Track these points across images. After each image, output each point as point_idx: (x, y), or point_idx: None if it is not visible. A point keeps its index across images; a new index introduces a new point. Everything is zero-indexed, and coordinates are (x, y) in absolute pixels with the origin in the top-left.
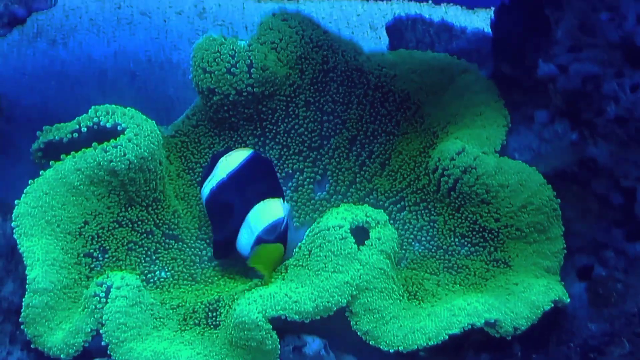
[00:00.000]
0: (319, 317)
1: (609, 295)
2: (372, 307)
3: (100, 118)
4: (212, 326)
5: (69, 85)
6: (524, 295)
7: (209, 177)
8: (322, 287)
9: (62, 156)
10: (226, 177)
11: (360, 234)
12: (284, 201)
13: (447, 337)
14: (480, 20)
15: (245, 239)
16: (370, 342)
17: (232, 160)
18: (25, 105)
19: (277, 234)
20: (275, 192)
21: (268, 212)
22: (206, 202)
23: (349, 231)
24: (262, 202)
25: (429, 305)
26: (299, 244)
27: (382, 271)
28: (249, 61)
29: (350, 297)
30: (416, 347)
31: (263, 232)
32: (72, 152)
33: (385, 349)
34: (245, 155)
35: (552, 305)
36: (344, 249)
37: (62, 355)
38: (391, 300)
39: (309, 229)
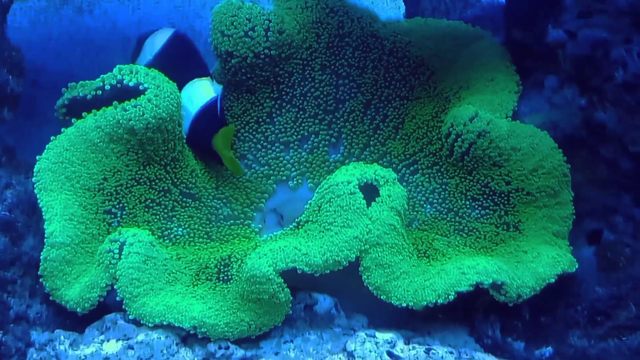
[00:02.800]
0: (328, 271)
1: (617, 259)
2: (382, 262)
3: (124, 77)
4: (223, 281)
5: (93, 52)
6: (532, 265)
7: (137, 60)
8: (331, 241)
9: (83, 114)
10: (152, 59)
11: (370, 193)
12: (212, 80)
13: (455, 295)
14: None
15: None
16: (382, 297)
17: (156, 42)
18: (51, 71)
19: (213, 116)
20: (202, 71)
21: (199, 92)
22: None
23: (357, 186)
24: (191, 82)
25: (438, 264)
26: (309, 201)
27: (393, 227)
28: (266, 25)
29: (358, 252)
30: (425, 303)
31: (199, 114)
32: (94, 110)
33: (396, 303)
34: (167, 35)
35: (557, 277)
36: (352, 204)
37: (78, 309)
38: (401, 256)
39: (319, 186)
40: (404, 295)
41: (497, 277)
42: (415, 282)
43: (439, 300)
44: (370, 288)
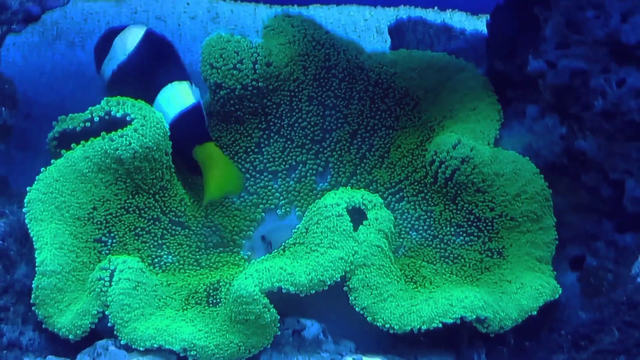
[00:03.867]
0: (313, 291)
1: (599, 284)
2: (370, 283)
3: (111, 108)
4: (212, 304)
5: (85, 85)
6: (516, 297)
7: (107, 58)
8: (317, 261)
9: (72, 145)
10: (126, 59)
11: (357, 217)
12: (191, 84)
13: (440, 324)
14: (483, 25)
15: None
16: (368, 318)
17: (129, 40)
18: (44, 103)
19: (193, 124)
20: (180, 72)
21: (179, 96)
22: (109, 84)
23: (345, 209)
24: (170, 85)
25: (426, 291)
26: (297, 225)
27: (380, 249)
28: (254, 57)
29: (343, 272)
30: (409, 328)
31: (178, 118)
32: (82, 141)
33: (381, 325)
34: (140, 33)
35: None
36: (339, 226)
37: (70, 336)
38: (389, 279)
39: (308, 209)
40: (390, 317)
41: (481, 312)
42: (402, 306)
43: (423, 327)
44: (357, 309)
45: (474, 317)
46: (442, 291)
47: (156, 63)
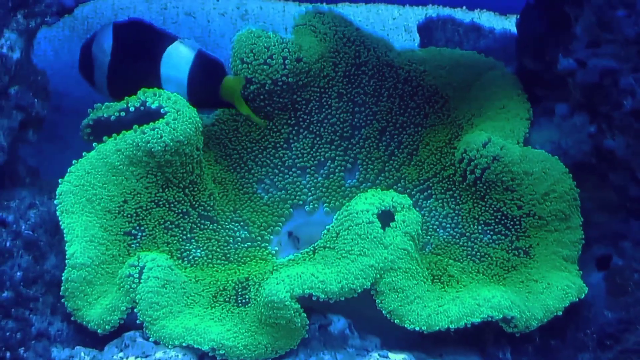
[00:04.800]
0: (343, 298)
1: (625, 284)
2: (396, 286)
3: (147, 99)
4: (241, 304)
5: None
6: (542, 297)
7: (95, 69)
8: (347, 269)
9: (104, 138)
10: (109, 56)
11: (386, 217)
12: (181, 40)
13: (469, 324)
14: (511, 24)
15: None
16: (395, 321)
17: (102, 41)
18: (73, 97)
19: (206, 70)
20: (166, 36)
21: (179, 57)
22: (110, 89)
23: (375, 215)
24: (166, 54)
25: (453, 291)
26: (327, 226)
27: (406, 252)
28: (285, 53)
29: (374, 280)
30: (438, 328)
31: (192, 75)
32: (114, 134)
33: (409, 327)
34: (108, 30)
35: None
36: (370, 233)
37: (99, 330)
38: (415, 281)
39: (338, 212)
40: (417, 319)
41: (508, 312)
42: (429, 307)
43: (451, 326)
44: (383, 312)
45: (501, 316)
46: (469, 291)
47: (138, 45)
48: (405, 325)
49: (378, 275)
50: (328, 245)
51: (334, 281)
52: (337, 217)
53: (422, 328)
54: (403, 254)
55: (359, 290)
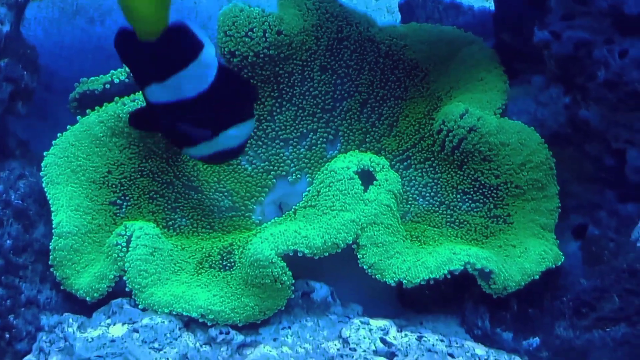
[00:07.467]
0: (327, 254)
1: (601, 253)
2: (377, 240)
3: None
4: (226, 268)
5: (104, 58)
6: (519, 260)
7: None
8: (330, 224)
9: (87, 111)
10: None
11: (366, 180)
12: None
13: (447, 272)
14: (490, 3)
15: None
16: (376, 276)
17: None
18: (63, 76)
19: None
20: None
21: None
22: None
23: (355, 173)
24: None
25: (430, 247)
26: (308, 187)
27: (389, 208)
28: (265, 26)
29: (355, 235)
30: (419, 280)
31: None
32: (96, 107)
33: (390, 281)
34: None
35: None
36: (351, 189)
37: (88, 298)
38: (395, 237)
39: (318, 173)
40: (397, 272)
41: (486, 263)
42: (408, 261)
43: (431, 276)
44: (364, 267)
45: (479, 266)
46: (446, 246)
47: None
48: (386, 280)
49: (359, 231)
50: (309, 204)
51: (317, 236)
52: (318, 175)
53: (403, 281)
54: (386, 210)
55: (342, 245)
